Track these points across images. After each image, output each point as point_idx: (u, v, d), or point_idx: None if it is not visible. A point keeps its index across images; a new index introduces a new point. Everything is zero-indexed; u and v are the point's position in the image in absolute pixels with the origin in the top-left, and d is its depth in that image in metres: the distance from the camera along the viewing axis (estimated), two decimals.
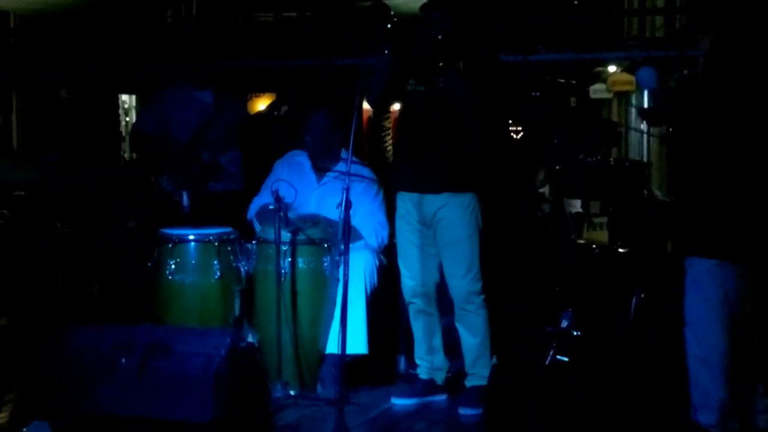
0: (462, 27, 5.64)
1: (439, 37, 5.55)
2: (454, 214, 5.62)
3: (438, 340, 5.89)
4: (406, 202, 5.79)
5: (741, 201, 4.56)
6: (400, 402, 5.81)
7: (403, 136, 5.90)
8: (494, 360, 5.75)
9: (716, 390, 4.68)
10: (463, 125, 5.58)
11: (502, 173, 5.93)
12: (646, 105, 14.78)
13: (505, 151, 5.93)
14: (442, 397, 5.88)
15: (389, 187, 6.23)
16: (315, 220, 6.12)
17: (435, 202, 5.65)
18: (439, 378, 5.91)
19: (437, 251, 5.73)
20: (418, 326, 5.89)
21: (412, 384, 5.95)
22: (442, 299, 5.85)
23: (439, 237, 5.69)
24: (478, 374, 5.71)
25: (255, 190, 6.63)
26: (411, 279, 5.82)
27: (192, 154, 6.68)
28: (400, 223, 5.85)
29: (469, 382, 5.76)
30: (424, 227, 5.73)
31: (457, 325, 5.76)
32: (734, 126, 4.57)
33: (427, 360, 5.90)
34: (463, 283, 5.66)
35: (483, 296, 5.69)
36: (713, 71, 4.72)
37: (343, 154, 6.27)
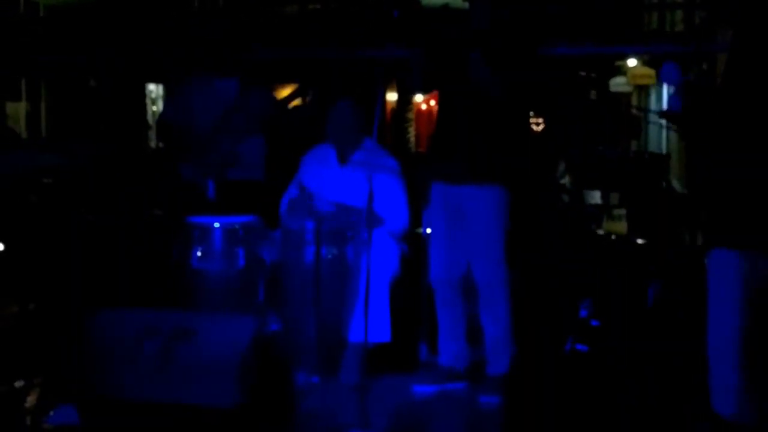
0: (498, 19, 5.68)
1: (476, 27, 5.60)
2: (481, 205, 5.65)
3: (461, 328, 5.91)
4: (437, 191, 5.83)
5: (763, 191, 4.58)
6: (421, 389, 5.84)
7: (438, 126, 5.93)
8: (515, 349, 5.81)
9: (737, 381, 4.71)
10: (493, 117, 5.61)
11: (525, 165, 5.96)
12: (665, 106, 14.82)
13: (527, 143, 5.95)
14: (462, 385, 5.90)
15: (411, 177, 6.27)
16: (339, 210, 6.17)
17: (463, 192, 5.68)
18: (461, 366, 5.94)
19: (464, 241, 5.79)
20: (442, 314, 5.92)
21: (434, 372, 5.97)
22: (468, 288, 5.91)
23: (466, 227, 5.74)
24: (499, 363, 5.75)
25: (277, 180, 6.69)
26: (438, 267, 5.86)
27: (213, 143, 6.73)
28: (430, 212, 5.90)
29: (489, 371, 5.81)
30: (452, 217, 5.77)
31: (481, 313, 5.80)
32: (757, 118, 4.60)
33: (449, 348, 5.93)
34: (487, 273, 5.70)
35: (507, 287, 5.72)
36: (737, 62, 4.74)
37: (366, 143, 6.34)
